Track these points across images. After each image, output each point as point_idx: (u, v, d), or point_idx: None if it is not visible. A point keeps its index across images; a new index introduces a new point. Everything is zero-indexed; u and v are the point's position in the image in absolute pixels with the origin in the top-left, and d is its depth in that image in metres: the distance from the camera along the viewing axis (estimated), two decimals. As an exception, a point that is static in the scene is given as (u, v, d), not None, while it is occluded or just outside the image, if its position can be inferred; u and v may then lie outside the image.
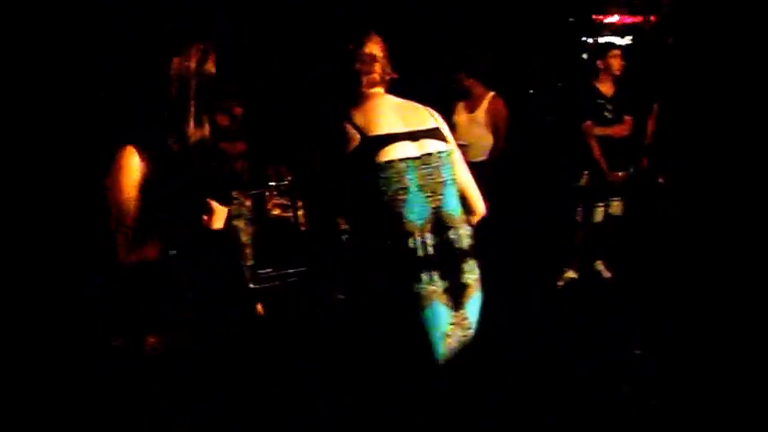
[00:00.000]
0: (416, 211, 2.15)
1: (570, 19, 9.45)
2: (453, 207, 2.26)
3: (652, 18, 12.43)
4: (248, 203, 4.79)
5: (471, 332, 2.21)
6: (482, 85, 4.95)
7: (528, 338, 4.32)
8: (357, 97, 2.28)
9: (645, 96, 5.58)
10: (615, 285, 5.27)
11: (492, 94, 4.94)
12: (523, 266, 5.44)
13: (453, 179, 2.31)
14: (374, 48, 2.31)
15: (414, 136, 2.23)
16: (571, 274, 5.32)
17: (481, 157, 4.91)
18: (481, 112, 4.90)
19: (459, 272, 2.20)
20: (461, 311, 2.19)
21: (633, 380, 3.73)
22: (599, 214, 5.19)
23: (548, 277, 5.34)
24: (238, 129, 4.77)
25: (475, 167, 4.94)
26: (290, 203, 5.54)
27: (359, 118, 2.21)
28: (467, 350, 2.16)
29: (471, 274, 2.23)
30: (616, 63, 4.98)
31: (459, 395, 2.24)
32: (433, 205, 2.20)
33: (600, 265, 5.42)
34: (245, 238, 4.68)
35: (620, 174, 5.08)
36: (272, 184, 4.81)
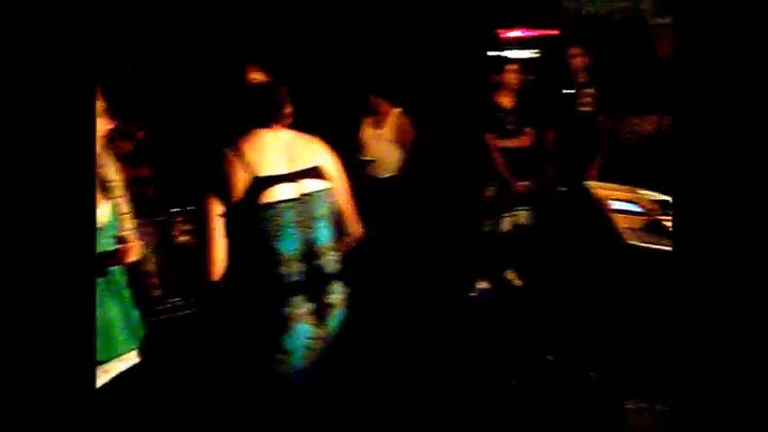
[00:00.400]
0: (289, 244, 2.31)
1: (473, 34, 9.61)
2: (324, 237, 2.41)
3: (554, 32, 12.89)
4: (153, 230, 4.69)
5: (332, 343, 2.44)
6: (387, 102, 4.99)
7: (442, 350, 4.38)
8: (249, 133, 2.33)
9: (545, 107, 5.73)
10: (527, 293, 5.37)
11: (398, 110, 4.99)
12: (435, 280, 5.50)
13: (329, 213, 2.44)
14: (258, 77, 2.32)
15: (294, 177, 2.34)
16: (483, 284, 5.39)
17: (389, 173, 4.94)
18: (387, 129, 4.94)
19: (324, 293, 2.40)
20: (324, 328, 2.40)
21: (548, 384, 3.82)
22: (507, 224, 5.29)
23: (460, 289, 5.39)
24: (141, 153, 4.69)
25: (383, 183, 5.05)
26: (196, 230, 5.44)
27: (250, 155, 2.27)
28: (328, 359, 2.43)
29: (337, 294, 2.44)
30: (513, 77, 5.11)
31: (322, 396, 2.49)
32: (305, 237, 2.35)
33: (511, 275, 5.51)
34: (150, 266, 4.57)
35: (524, 184, 5.21)
36: (177, 210, 4.71)
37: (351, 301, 2.52)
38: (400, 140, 4.94)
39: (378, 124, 4.97)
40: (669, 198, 3.30)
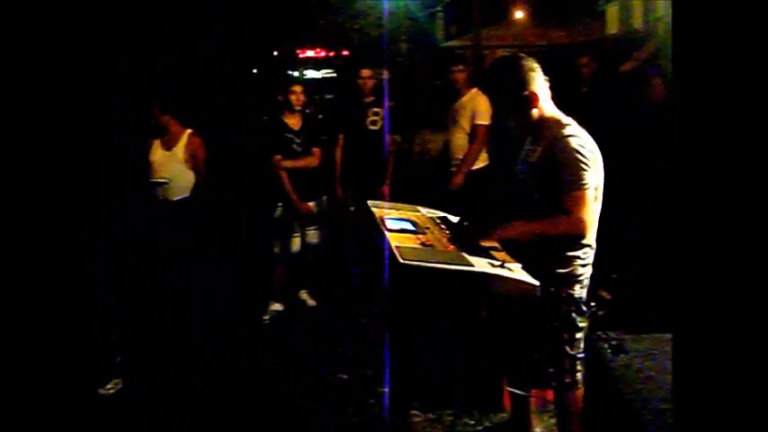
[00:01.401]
0: None
1: (268, 53, 9.62)
2: None
3: (344, 52, 13.22)
4: None
5: None
6: (178, 123, 4.77)
7: (237, 375, 4.30)
8: None
9: (334, 127, 5.81)
10: (320, 313, 5.38)
11: (189, 131, 4.77)
12: (226, 303, 5.38)
13: None
14: None
15: None
16: (276, 306, 5.32)
17: (182, 195, 4.73)
18: (179, 150, 4.73)
19: None
20: None
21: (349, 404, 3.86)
22: (296, 244, 5.27)
23: (253, 313, 5.29)
24: None
25: (175, 206, 4.81)
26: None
27: None
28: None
29: None
30: (297, 98, 5.12)
31: None
32: None
33: (304, 294, 5.50)
34: None
35: (311, 204, 5.22)
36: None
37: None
38: (192, 162, 4.73)
39: (169, 145, 4.71)
40: (448, 215, 3.43)
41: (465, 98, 5.55)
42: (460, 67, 5.67)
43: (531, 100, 2.87)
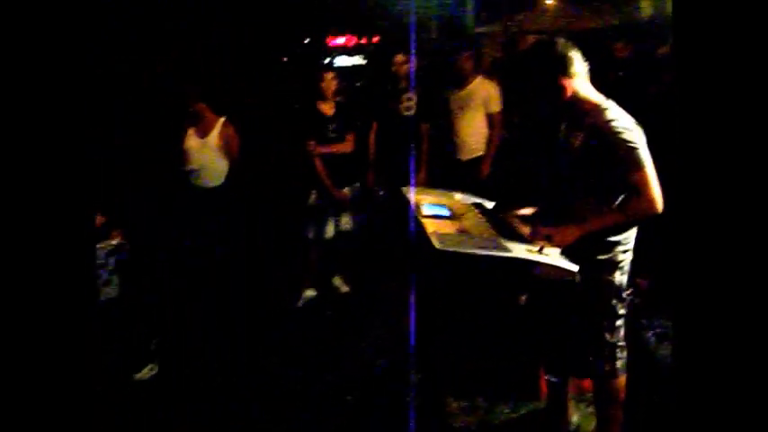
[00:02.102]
0: None
1: (298, 41, 9.61)
2: None
3: (375, 39, 13.17)
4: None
5: None
6: (212, 111, 4.80)
7: (273, 359, 4.32)
8: None
9: (367, 114, 5.78)
10: (354, 300, 5.37)
11: (223, 119, 4.81)
12: (262, 288, 5.41)
13: None
14: None
15: None
16: (310, 292, 5.33)
17: (216, 182, 4.77)
18: (213, 138, 4.76)
19: None
20: None
21: (376, 393, 3.86)
22: (330, 231, 5.27)
23: (287, 298, 5.30)
24: None
25: (209, 193, 4.83)
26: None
27: None
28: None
29: None
30: (331, 84, 5.11)
31: None
32: None
33: (338, 281, 5.50)
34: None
35: (345, 190, 5.21)
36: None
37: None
38: (226, 149, 4.77)
39: (202, 133, 4.77)
40: (482, 201, 3.40)
41: (472, 85, 5.61)
42: (467, 53, 5.65)
43: (568, 84, 2.83)
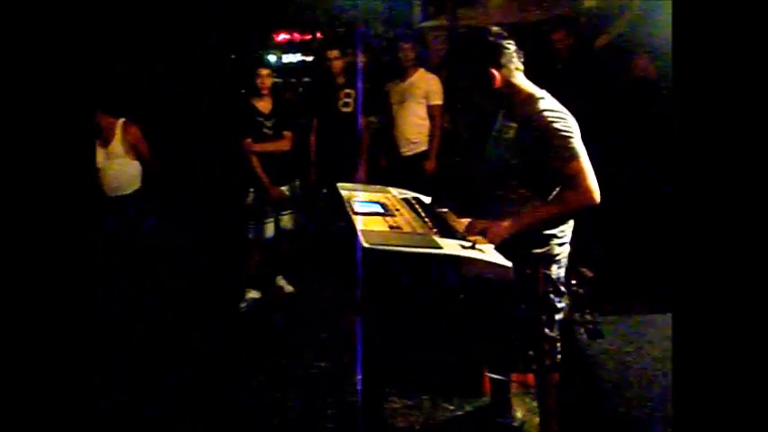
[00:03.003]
0: None
1: (239, 38, 9.44)
2: None
3: (318, 35, 13.03)
4: None
5: None
6: (108, 115, 4.50)
7: (221, 364, 4.20)
8: None
9: (305, 111, 5.69)
10: (299, 299, 5.27)
11: (122, 120, 4.52)
12: (203, 292, 5.28)
13: None
14: None
15: None
16: (253, 294, 5.21)
17: (133, 187, 4.56)
18: (116, 144, 4.47)
19: None
20: None
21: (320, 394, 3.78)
22: (270, 230, 5.16)
23: (230, 301, 5.17)
24: None
25: (127, 200, 4.61)
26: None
27: None
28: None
29: None
30: (262, 81, 4.98)
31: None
32: None
33: (281, 281, 5.39)
34: None
35: (283, 188, 5.09)
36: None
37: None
38: (133, 152, 4.50)
39: (104, 142, 4.47)
40: (420, 196, 3.33)
41: (413, 78, 5.53)
42: (408, 45, 5.58)
43: (503, 73, 2.77)
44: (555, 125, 2.64)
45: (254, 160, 4.97)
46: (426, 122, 5.54)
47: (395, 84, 5.60)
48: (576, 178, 2.64)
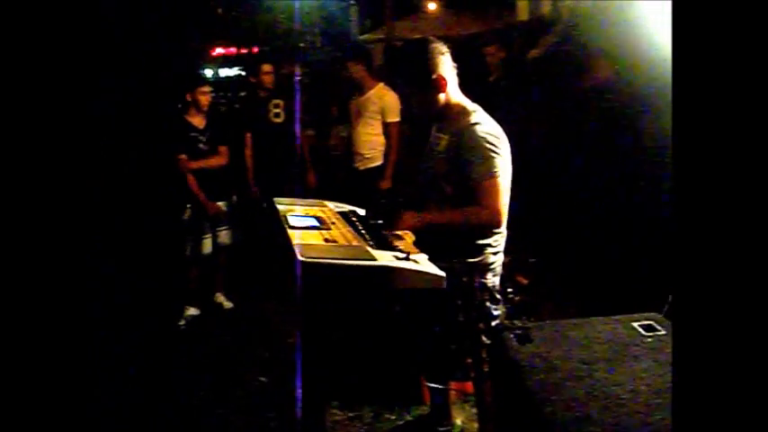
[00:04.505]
0: None
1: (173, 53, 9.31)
2: None
3: (254, 50, 12.98)
4: None
5: None
6: None
7: (153, 382, 4.12)
8: None
9: (239, 125, 5.66)
10: (237, 315, 5.24)
11: None
12: (140, 310, 5.18)
13: None
14: None
15: None
16: (192, 311, 5.15)
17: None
18: None
19: None
20: None
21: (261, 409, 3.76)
22: (207, 246, 5.11)
23: (168, 319, 5.10)
24: None
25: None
26: None
27: None
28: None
29: None
30: (204, 98, 4.96)
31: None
32: None
33: (220, 297, 5.34)
34: None
35: (220, 204, 5.06)
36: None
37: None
38: None
39: None
40: (356, 208, 3.35)
41: (371, 92, 5.43)
42: (351, 61, 5.53)
43: (440, 84, 2.81)
44: (481, 141, 2.71)
45: (190, 177, 4.94)
46: (380, 138, 5.43)
47: (355, 98, 5.54)
48: (485, 196, 2.70)
